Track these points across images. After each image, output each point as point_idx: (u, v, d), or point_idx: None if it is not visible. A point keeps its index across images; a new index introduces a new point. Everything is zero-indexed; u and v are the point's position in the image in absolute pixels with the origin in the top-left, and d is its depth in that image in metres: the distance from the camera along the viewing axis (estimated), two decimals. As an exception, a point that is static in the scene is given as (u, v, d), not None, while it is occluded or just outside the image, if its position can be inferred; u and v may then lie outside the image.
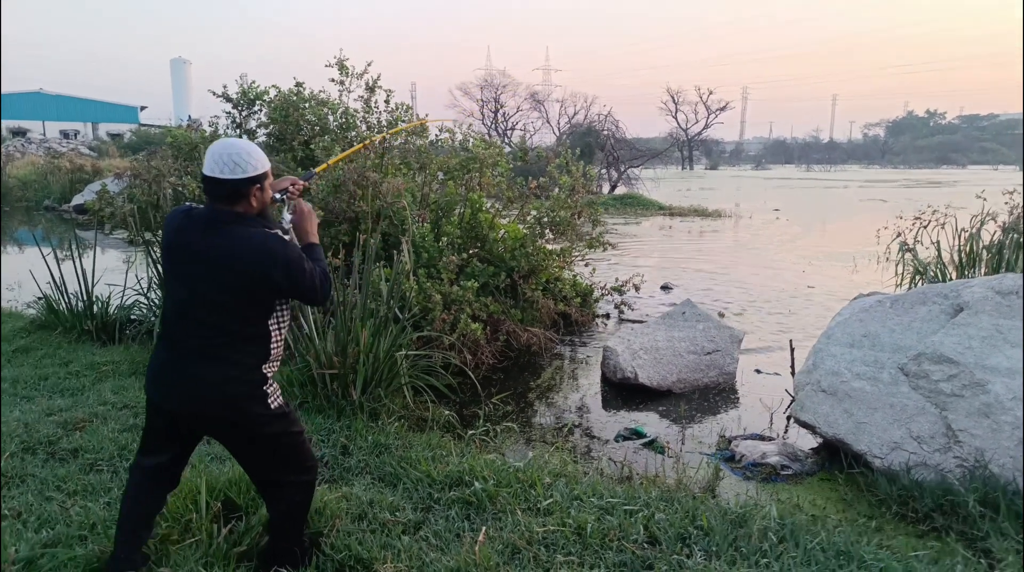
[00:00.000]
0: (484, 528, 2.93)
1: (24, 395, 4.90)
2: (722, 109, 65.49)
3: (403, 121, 6.99)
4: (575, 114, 42.72)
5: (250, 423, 2.33)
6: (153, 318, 6.37)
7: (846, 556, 2.90)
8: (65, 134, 44.66)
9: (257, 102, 7.17)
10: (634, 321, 7.21)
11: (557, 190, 6.84)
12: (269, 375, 2.38)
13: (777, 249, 13.51)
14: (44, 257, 6.73)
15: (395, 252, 5.52)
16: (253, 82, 7.17)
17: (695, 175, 53.45)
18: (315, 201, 5.98)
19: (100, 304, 6.64)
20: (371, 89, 7.12)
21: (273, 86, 7.18)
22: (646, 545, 2.97)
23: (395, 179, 6.28)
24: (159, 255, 2.63)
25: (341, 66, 7.00)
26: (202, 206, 2.32)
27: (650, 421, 4.83)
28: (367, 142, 4.80)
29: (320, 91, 7.10)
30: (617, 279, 7.47)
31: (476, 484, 3.34)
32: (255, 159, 2.24)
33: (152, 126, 43.53)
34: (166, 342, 2.35)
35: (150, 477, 2.52)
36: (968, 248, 6.99)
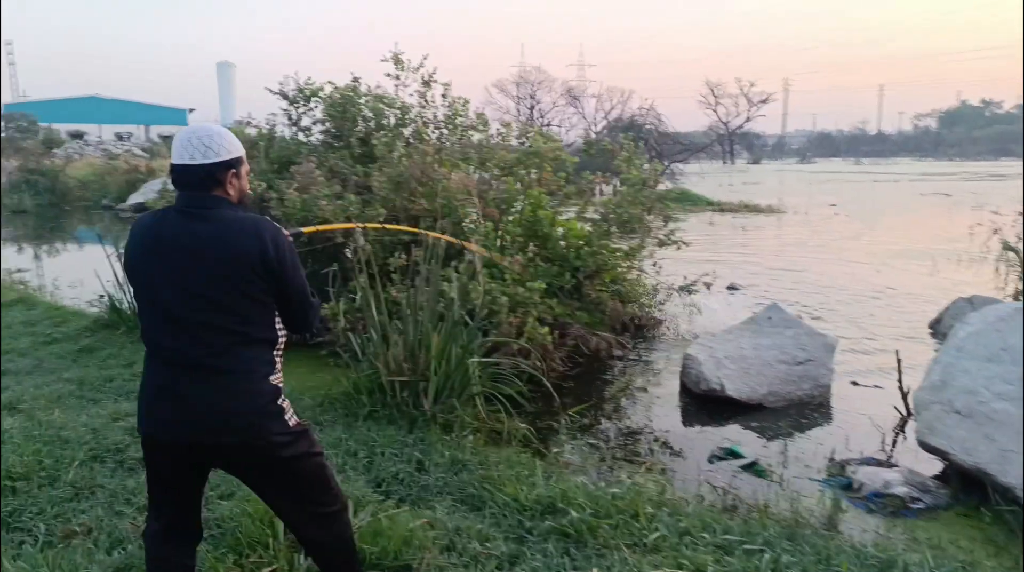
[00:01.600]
0: (594, 570, 2.57)
1: (91, 397, 4.76)
2: (764, 101, 63.54)
3: (461, 116, 6.67)
4: (611, 109, 42.02)
5: (269, 446, 1.94)
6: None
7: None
8: (119, 136, 45.76)
9: (313, 99, 6.92)
10: (692, 337, 6.77)
11: (621, 186, 6.45)
12: (281, 386, 2.00)
13: (842, 247, 12.84)
14: (108, 256, 6.61)
15: (460, 251, 5.21)
16: (309, 78, 6.95)
17: (737, 170, 52.10)
18: (376, 199, 5.70)
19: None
20: (427, 83, 6.82)
21: (329, 82, 6.94)
22: (779, 594, 2.58)
23: (459, 173, 5.97)
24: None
25: (397, 60, 6.71)
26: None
27: (743, 439, 4.41)
28: (357, 225, 4.36)
29: (377, 87, 6.83)
30: (685, 278, 7.01)
31: (572, 513, 2.99)
32: (228, 142, 1.94)
33: (202, 128, 44.30)
34: (156, 363, 1.93)
35: (168, 541, 2.10)
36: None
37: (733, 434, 4.48)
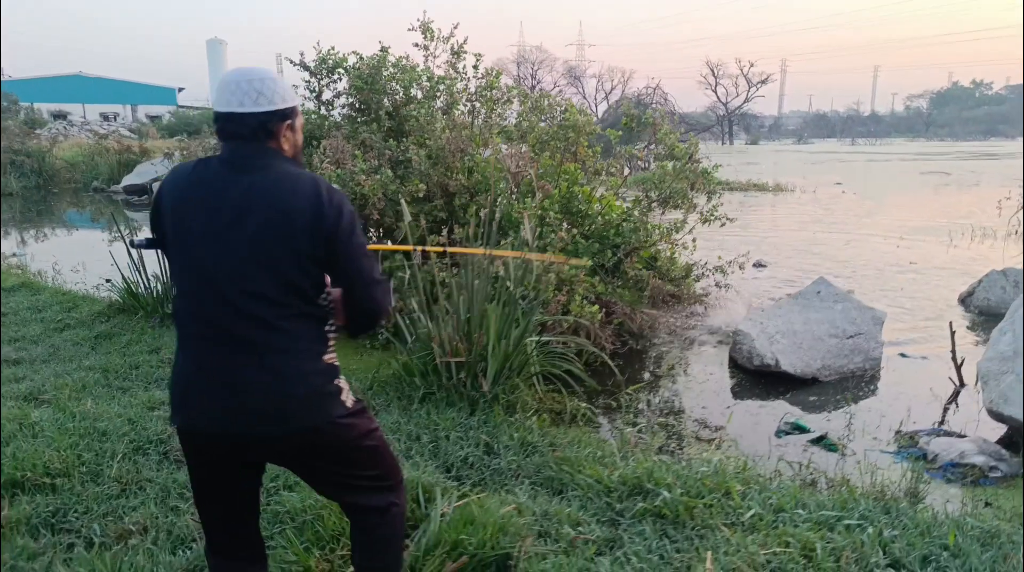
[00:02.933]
0: (709, 552, 2.47)
1: (120, 386, 4.56)
2: (763, 82, 63.43)
3: (495, 88, 6.49)
4: (612, 89, 41.66)
5: (331, 431, 1.70)
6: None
7: None
8: (105, 116, 44.88)
9: (337, 70, 6.70)
10: (734, 314, 6.67)
11: (662, 161, 6.31)
12: (337, 365, 1.76)
13: (857, 223, 12.79)
14: (121, 237, 6.40)
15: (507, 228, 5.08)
16: (332, 48, 6.71)
17: (736, 150, 51.92)
18: (414, 172, 5.54)
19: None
20: (456, 54, 6.63)
21: (354, 52, 6.72)
22: (891, 570, 2.50)
23: (492, 147, 5.81)
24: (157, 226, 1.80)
25: (426, 29, 6.51)
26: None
27: (803, 413, 4.33)
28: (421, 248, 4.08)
29: (403, 57, 6.61)
30: (720, 258, 6.91)
31: (665, 493, 2.89)
32: (282, 89, 1.69)
33: (191, 107, 43.53)
34: (193, 339, 1.65)
35: (232, 568, 1.86)
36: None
37: (792, 409, 4.40)
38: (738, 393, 4.68)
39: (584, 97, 44.22)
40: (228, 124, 1.66)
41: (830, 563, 2.51)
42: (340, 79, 6.84)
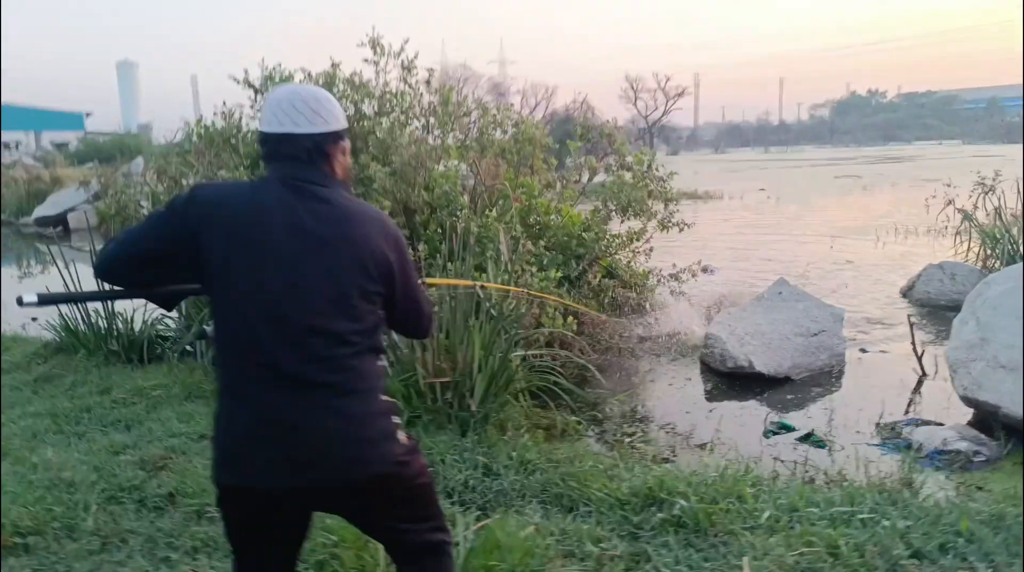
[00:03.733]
0: (745, 559, 2.44)
1: (74, 432, 4.20)
2: (680, 95, 65.90)
3: (451, 104, 6.42)
4: (536, 105, 42.16)
5: (394, 472, 1.57)
6: (183, 332, 5.69)
7: None
8: (6, 145, 42.18)
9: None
10: (691, 320, 6.81)
11: (617, 171, 6.39)
12: (395, 401, 1.68)
13: (789, 226, 13.34)
14: (60, 271, 5.93)
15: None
16: (279, 64, 6.50)
17: (657, 161, 53.55)
18: (377, 189, 5.39)
19: (123, 321, 5.92)
20: (407, 69, 6.53)
21: (300, 69, 6.52)
22: (913, 560, 2.54)
23: (452, 161, 5.73)
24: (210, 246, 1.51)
25: (375, 44, 6.39)
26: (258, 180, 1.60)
27: (784, 412, 4.41)
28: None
29: (355, 73, 6.46)
30: (675, 265, 7.03)
31: (681, 502, 2.86)
32: (337, 109, 1.60)
33: (100, 133, 41.37)
34: (247, 381, 1.47)
35: None
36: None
37: (772, 408, 4.47)
38: (717, 396, 4.73)
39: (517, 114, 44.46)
40: (282, 145, 1.54)
41: (856, 559, 2.53)
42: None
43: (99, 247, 6.57)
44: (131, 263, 1.54)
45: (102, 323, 5.83)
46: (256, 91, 6.60)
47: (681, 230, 6.20)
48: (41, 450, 3.77)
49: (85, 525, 2.91)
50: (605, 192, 6.13)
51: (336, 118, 1.59)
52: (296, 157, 1.53)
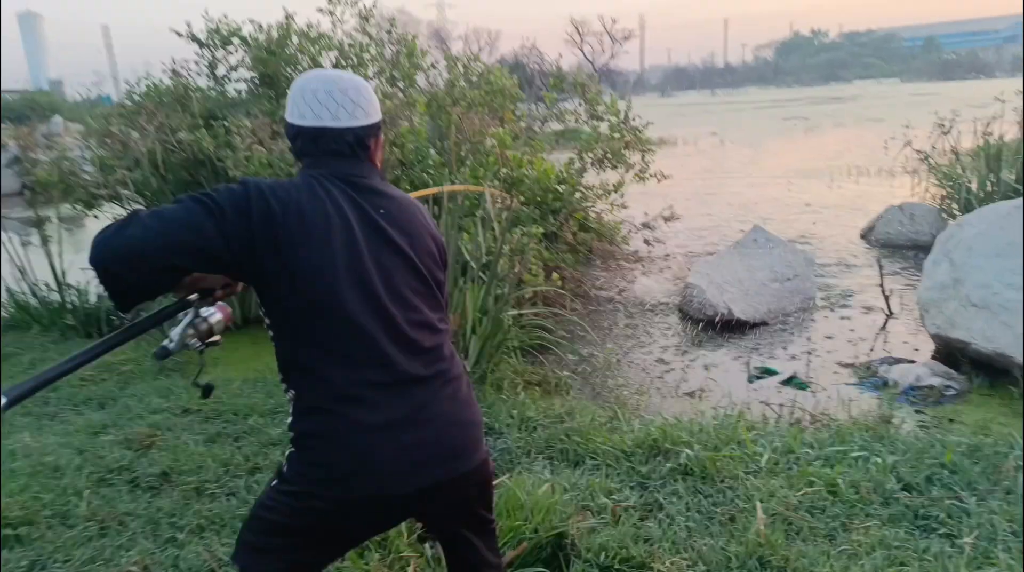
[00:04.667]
0: (759, 503, 2.53)
1: (44, 413, 4.05)
2: (626, 38, 65.15)
3: (414, 55, 6.20)
4: (480, 50, 41.21)
5: (487, 458, 1.59)
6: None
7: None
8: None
9: (234, 39, 6.13)
10: (667, 269, 6.87)
11: (592, 120, 6.33)
12: None
13: (744, 170, 13.52)
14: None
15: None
16: (225, 16, 6.13)
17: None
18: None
19: (77, 294, 5.68)
20: (365, 18, 6.27)
21: (250, 20, 6.18)
22: (905, 493, 2.68)
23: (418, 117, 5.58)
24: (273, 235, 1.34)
25: (331, -7, 6.11)
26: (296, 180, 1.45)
27: (765, 357, 4.54)
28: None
29: (309, 24, 6.16)
30: (646, 213, 7.09)
31: (687, 451, 2.94)
32: (375, 99, 1.52)
33: (8, 91, 38.57)
34: (370, 392, 1.38)
35: None
36: (989, 153, 6.94)
37: (753, 354, 4.59)
38: (699, 344, 4.84)
39: (452, 60, 43.38)
40: (322, 140, 1.45)
41: (853, 495, 2.66)
42: (236, 51, 6.30)
43: (42, 221, 6.26)
44: (166, 256, 1.28)
45: (55, 297, 5.59)
46: (202, 45, 6.25)
47: (660, 181, 6.21)
48: (16, 435, 3.63)
49: (79, 511, 2.81)
50: (579, 143, 6.07)
51: (376, 109, 1.52)
52: (339, 152, 1.46)
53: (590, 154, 5.93)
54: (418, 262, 1.47)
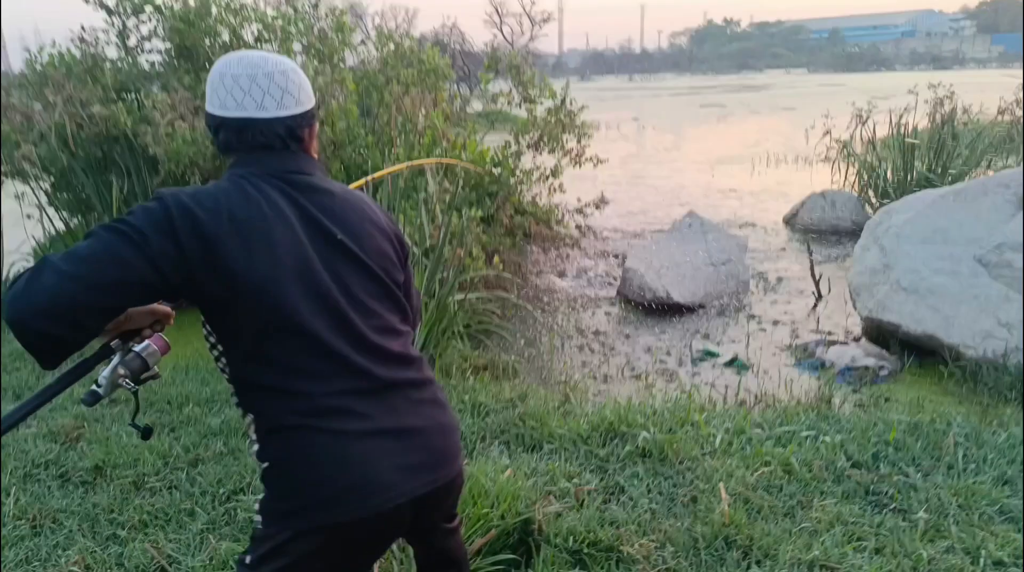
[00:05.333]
0: (721, 484, 2.56)
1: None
2: (546, 20, 65.30)
3: (343, 31, 5.93)
4: (396, 28, 40.35)
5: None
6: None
7: (1027, 447, 2.91)
8: None
9: (147, 7, 5.68)
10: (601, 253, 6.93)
11: (525, 103, 6.26)
12: None
13: (668, 156, 13.81)
14: None
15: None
16: (138, -18, 5.67)
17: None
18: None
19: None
20: (292, -10, 5.95)
21: (162, -12, 5.74)
22: (855, 470, 2.78)
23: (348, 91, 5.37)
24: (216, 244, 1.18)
25: (255, -39, 5.75)
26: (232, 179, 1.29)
27: (705, 339, 4.64)
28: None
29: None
30: (579, 199, 7.11)
31: (644, 433, 2.95)
32: (306, 83, 1.36)
33: None
34: (351, 402, 1.26)
35: None
36: (904, 143, 7.33)
37: (694, 336, 4.68)
38: (640, 327, 4.89)
39: (367, 38, 42.25)
40: (247, 133, 1.29)
41: (807, 473, 2.74)
42: (148, 20, 5.85)
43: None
44: (93, 300, 1.11)
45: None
46: (111, 12, 5.77)
47: (596, 165, 6.23)
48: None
49: (5, 509, 2.60)
50: (517, 126, 6.00)
51: (308, 95, 1.35)
52: (269, 146, 1.30)
53: (526, 137, 5.87)
54: (372, 264, 1.33)
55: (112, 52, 5.95)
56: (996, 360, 3.72)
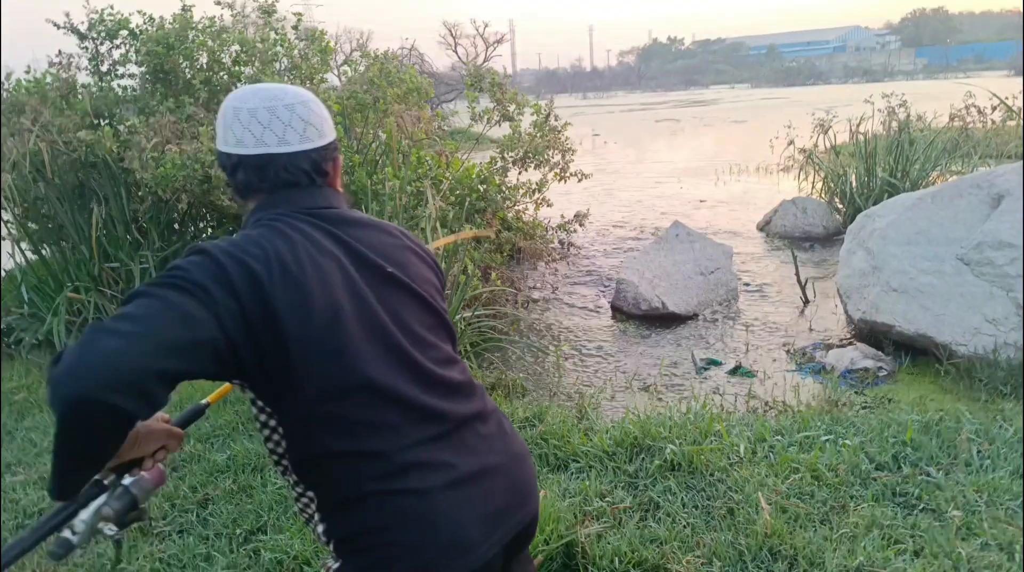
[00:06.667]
0: (760, 494, 2.57)
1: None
2: (499, 41, 65.95)
3: (328, 52, 5.88)
4: (352, 51, 40.18)
5: None
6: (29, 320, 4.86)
7: (1034, 441, 3.00)
8: None
9: (121, 32, 5.53)
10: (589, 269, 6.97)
11: (503, 120, 6.29)
12: None
13: (634, 170, 14.01)
14: None
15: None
16: (111, 6, 5.52)
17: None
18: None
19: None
20: (267, 12, 5.88)
21: (138, 11, 5.60)
22: (879, 472, 2.83)
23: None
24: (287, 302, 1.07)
25: (229, -16, 5.67)
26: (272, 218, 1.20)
27: (705, 348, 4.68)
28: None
29: (211, 17, 5.66)
30: (563, 216, 7.18)
31: (671, 446, 2.95)
32: (326, 114, 1.29)
33: None
34: (433, 452, 1.18)
35: None
36: (865, 150, 7.57)
37: (693, 345, 4.72)
38: (639, 338, 4.91)
39: (350, 59, 42.04)
40: (269, 170, 1.20)
41: (833, 478, 2.77)
42: (122, 45, 5.70)
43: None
44: (160, 362, 0.96)
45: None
46: (82, 37, 5.62)
47: (580, 180, 6.28)
48: None
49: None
50: (504, 141, 6.03)
51: (330, 127, 1.28)
52: (294, 183, 1.22)
53: (511, 153, 5.89)
54: (424, 294, 1.27)
55: (83, 78, 5.79)
56: (987, 356, 3.83)
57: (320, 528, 1.18)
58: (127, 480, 1.12)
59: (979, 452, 2.93)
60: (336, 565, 1.17)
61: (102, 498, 1.10)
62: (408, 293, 1.25)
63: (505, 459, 1.28)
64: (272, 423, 1.16)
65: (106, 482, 1.11)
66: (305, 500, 1.19)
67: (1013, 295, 3.94)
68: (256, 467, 3.11)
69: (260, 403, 1.15)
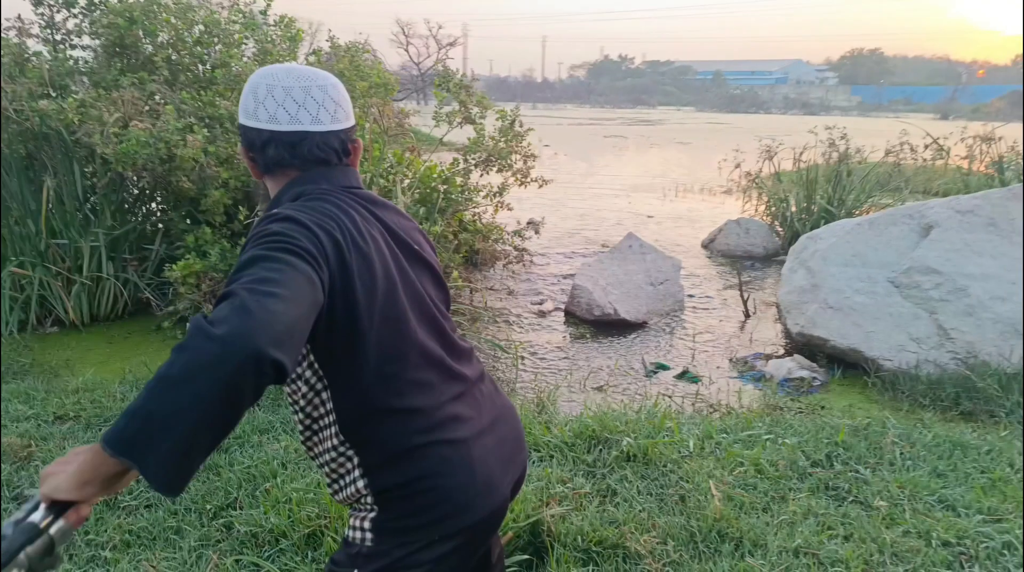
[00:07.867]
0: (712, 481, 2.76)
1: None
2: (452, 44, 65.97)
3: (297, 39, 5.87)
4: (319, 42, 39.61)
5: None
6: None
7: (949, 444, 3.31)
8: None
9: (79, 2, 5.38)
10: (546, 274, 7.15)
11: (466, 123, 6.41)
12: None
13: (584, 183, 14.32)
14: None
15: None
16: (71, -26, 5.38)
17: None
18: (230, 129, 4.82)
19: None
20: (235, -5, 5.85)
21: (99, -19, 5.46)
22: (814, 468, 3.07)
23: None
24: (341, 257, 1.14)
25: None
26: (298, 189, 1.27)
27: (650, 353, 4.90)
28: None
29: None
30: (519, 222, 7.36)
31: (628, 439, 3.12)
32: (349, 98, 1.37)
33: None
34: (462, 407, 1.32)
35: None
36: (807, 177, 8.03)
37: (642, 351, 4.94)
38: (592, 342, 5.10)
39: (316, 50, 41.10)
40: (303, 147, 1.26)
41: (774, 472, 3.00)
42: (78, 15, 5.56)
43: None
44: (308, 328, 1.04)
45: None
46: (38, 3, 5.45)
47: (541, 186, 6.45)
48: None
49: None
50: (469, 143, 6.14)
51: (351, 110, 1.36)
52: (325, 160, 1.28)
53: (474, 156, 6.02)
54: (437, 269, 1.41)
55: (33, 45, 5.61)
56: (910, 370, 4.17)
57: (360, 483, 1.26)
58: (41, 520, 0.98)
59: (901, 453, 3.21)
60: (373, 514, 1.26)
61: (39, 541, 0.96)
62: (428, 270, 1.38)
63: (504, 413, 1.44)
64: (320, 385, 1.22)
65: (42, 525, 0.97)
66: (342, 459, 1.27)
67: (936, 317, 4.31)
68: (221, 448, 3.12)
69: (315, 365, 1.20)
